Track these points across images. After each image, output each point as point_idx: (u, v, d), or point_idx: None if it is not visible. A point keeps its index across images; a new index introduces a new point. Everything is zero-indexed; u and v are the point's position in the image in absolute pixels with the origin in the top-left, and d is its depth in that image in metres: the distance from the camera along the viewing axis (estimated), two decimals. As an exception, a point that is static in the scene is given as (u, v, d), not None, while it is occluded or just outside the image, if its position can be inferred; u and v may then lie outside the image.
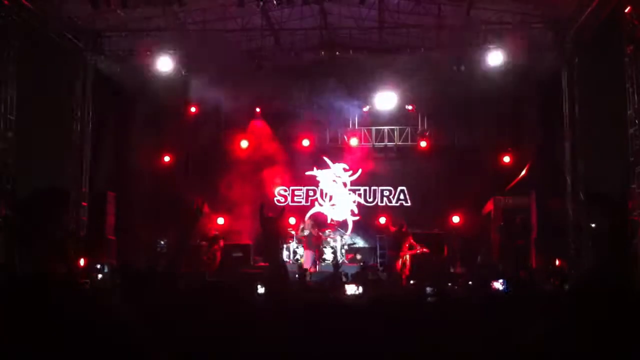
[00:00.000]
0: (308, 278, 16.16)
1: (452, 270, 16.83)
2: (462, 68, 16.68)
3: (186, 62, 16.66)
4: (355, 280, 14.86)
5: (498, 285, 9.55)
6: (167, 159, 19.03)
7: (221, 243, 17.64)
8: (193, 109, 19.19)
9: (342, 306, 4.41)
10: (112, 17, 15.63)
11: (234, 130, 19.99)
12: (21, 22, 14.41)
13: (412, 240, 16.67)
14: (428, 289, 7.34)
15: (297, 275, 15.36)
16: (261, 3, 14.59)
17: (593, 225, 16.12)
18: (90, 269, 14.44)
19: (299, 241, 17.96)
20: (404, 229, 17.12)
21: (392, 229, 17.58)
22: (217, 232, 17.86)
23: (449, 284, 13.83)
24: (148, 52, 16.40)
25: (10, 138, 14.53)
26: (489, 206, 17.85)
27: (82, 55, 16.81)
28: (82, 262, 14.84)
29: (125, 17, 15.57)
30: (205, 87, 16.96)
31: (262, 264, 17.68)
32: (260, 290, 8.95)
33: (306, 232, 17.83)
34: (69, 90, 16.79)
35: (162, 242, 17.44)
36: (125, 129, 18.24)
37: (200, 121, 19.67)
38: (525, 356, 3.37)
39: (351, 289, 10.10)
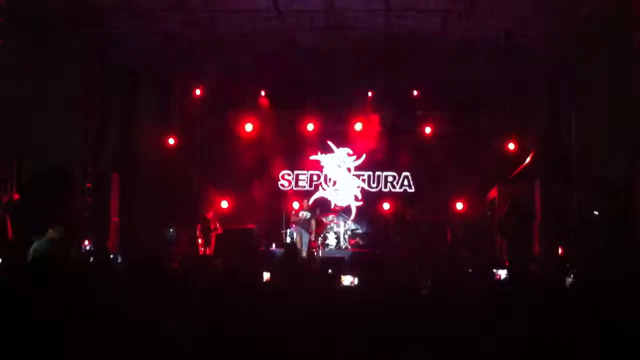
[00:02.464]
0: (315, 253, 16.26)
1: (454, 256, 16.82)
2: (467, 54, 16.57)
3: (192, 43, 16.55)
4: (350, 267, 14.87)
5: (502, 273, 9.52)
6: (171, 141, 19.03)
7: (218, 228, 17.62)
8: (198, 91, 19.15)
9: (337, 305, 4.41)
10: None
11: (238, 113, 19.96)
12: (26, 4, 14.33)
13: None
14: (428, 281, 7.30)
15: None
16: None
17: (596, 212, 16.06)
18: (96, 252, 14.47)
19: (295, 223, 17.92)
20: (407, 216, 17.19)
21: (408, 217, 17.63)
22: (212, 215, 17.83)
23: (451, 272, 13.80)
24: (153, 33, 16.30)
25: (15, 118, 14.52)
26: (493, 193, 17.82)
27: (87, 36, 16.71)
28: (86, 243, 14.86)
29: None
30: (211, 69, 16.92)
31: (261, 248, 17.79)
32: (266, 276, 8.88)
33: (306, 215, 17.80)
34: (74, 70, 16.71)
35: (171, 230, 17.44)
36: (131, 110, 18.19)
37: (205, 104, 19.65)
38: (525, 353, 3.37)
39: (347, 280, 10.04)
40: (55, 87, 15.89)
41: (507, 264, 15.04)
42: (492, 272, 10.28)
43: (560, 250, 15.31)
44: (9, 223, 13.98)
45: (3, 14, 13.85)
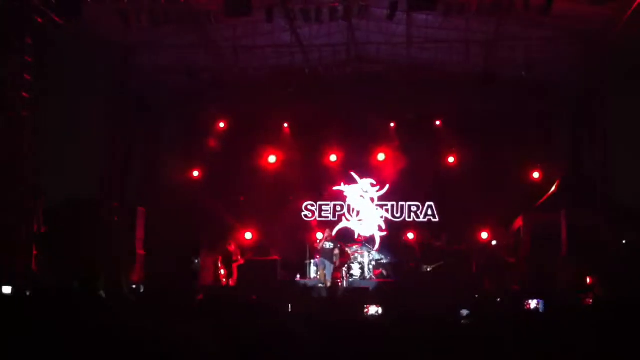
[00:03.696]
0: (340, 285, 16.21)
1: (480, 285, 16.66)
2: (490, 83, 16.61)
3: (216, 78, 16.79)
4: (376, 297, 14.79)
5: (533, 304, 9.41)
6: (195, 173, 19.15)
7: (240, 259, 17.66)
8: (222, 125, 19.33)
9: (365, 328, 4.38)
10: (141, 34, 15.83)
11: (262, 145, 20.09)
12: (53, 39, 14.66)
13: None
14: (463, 312, 7.23)
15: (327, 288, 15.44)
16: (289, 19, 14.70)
17: (624, 241, 15.88)
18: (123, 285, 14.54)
19: (318, 252, 17.88)
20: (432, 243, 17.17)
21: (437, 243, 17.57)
22: (234, 247, 17.88)
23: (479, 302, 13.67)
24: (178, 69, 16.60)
25: (43, 155, 14.76)
26: (519, 222, 17.67)
27: (112, 71, 17.04)
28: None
29: (156, 33, 15.76)
30: (235, 103, 17.14)
31: (289, 279, 17.75)
32: (290, 308, 8.87)
33: (330, 245, 17.76)
34: (99, 104, 17.02)
35: (197, 261, 17.49)
36: (155, 143, 18.42)
37: (229, 136, 19.82)
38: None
39: (372, 309, 9.95)
40: (81, 121, 16.20)
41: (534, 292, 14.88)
42: (523, 301, 10.16)
43: (588, 280, 15.12)
44: (34, 255, 14.14)
45: (32, 52, 14.17)
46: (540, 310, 9.27)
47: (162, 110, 18.73)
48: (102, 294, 9.69)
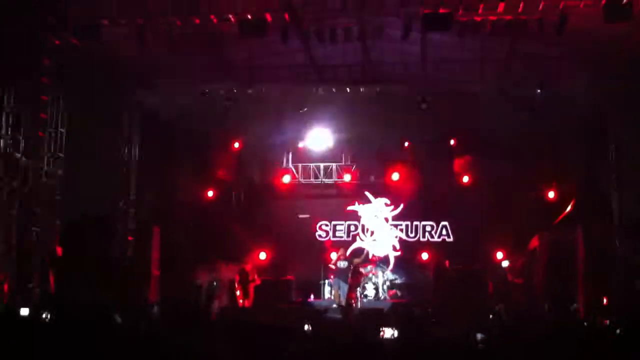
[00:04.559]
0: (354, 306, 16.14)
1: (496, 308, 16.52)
2: (504, 102, 16.60)
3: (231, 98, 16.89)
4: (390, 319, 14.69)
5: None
6: (210, 193, 19.21)
7: (257, 279, 17.61)
8: (237, 144, 19.44)
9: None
10: (159, 55, 15.95)
11: (276, 165, 20.16)
12: (71, 60, 14.82)
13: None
14: (479, 335, 7.18)
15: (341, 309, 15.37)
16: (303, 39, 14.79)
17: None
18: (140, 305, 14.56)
19: (333, 272, 17.83)
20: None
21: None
22: (251, 267, 17.87)
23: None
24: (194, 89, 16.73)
25: (60, 176, 14.87)
26: (534, 242, 17.56)
27: (129, 92, 17.18)
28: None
29: (172, 54, 15.88)
30: (249, 122, 17.21)
31: (303, 299, 17.71)
32: (307, 328, 8.82)
33: (344, 265, 17.70)
34: (116, 125, 17.16)
35: (215, 283, 17.44)
36: (170, 163, 18.51)
37: (244, 156, 19.90)
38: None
39: (388, 332, 9.87)
40: (97, 141, 16.32)
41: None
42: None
43: (605, 300, 15.00)
44: (51, 277, 14.19)
45: (49, 73, 14.33)
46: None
47: (177, 130, 18.84)
48: (118, 318, 9.72)
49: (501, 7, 12.91)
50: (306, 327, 9.56)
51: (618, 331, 9.97)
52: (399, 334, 9.27)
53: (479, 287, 17.09)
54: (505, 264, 17.83)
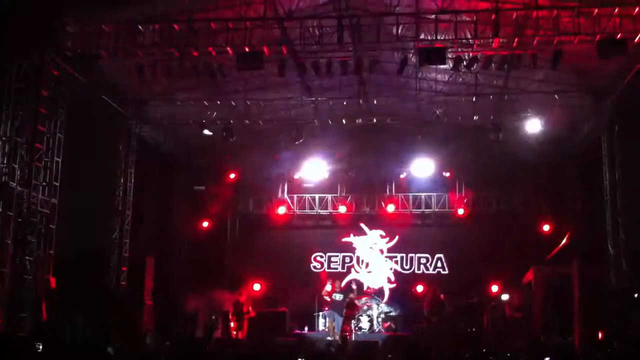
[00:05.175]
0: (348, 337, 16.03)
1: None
2: (500, 136, 16.70)
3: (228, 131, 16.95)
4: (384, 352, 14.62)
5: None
6: (205, 224, 19.17)
7: (251, 311, 17.45)
8: (232, 175, 19.46)
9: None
10: (156, 87, 16.06)
11: (271, 196, 20.18)
12: (69, 91, 14.89)
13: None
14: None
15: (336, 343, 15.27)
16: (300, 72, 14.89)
17: (636, 295, 15.73)
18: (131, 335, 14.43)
19: (327, 304, 17.70)
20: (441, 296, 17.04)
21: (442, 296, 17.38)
22: (245, 298, 17.74)
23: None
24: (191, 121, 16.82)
25: (54, 204, 14.84)
26: (529, 276, 17.53)
27: (126, 123, 17.25)
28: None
29: (170, 87, 15.99)
30: (245, 154, 17.28)
31: (297, 331, 17.56)
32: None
33: (339, 297, 17.61)
34: (113, 156, 17.19)
35: (213, 317, 17.27)
36: (166, 194, 18.51)
37: (239, 187, 19.92)
38: None
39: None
40: (93, 171, 16.35)
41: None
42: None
43: (600, 334, 14.92)
44: (44, 306, 14.08)
45: (47, 104, 14.35)
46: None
47: (174, 161, 18.88)
48: (111, 351, 9.65)
49: (496, 42, 13.04)
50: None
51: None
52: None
53: (474, 321, 16.98)
54: (505, 297, 17.73)
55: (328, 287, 18.47)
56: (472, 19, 12.94)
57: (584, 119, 16.90)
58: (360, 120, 17.33)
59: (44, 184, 14.64)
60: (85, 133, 15.59)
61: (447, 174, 19.51)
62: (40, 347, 9.60)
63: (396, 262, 20.31)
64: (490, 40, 13.00)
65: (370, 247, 20.38)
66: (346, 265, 20.47)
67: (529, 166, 18.12)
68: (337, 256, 20.61)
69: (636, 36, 12.44)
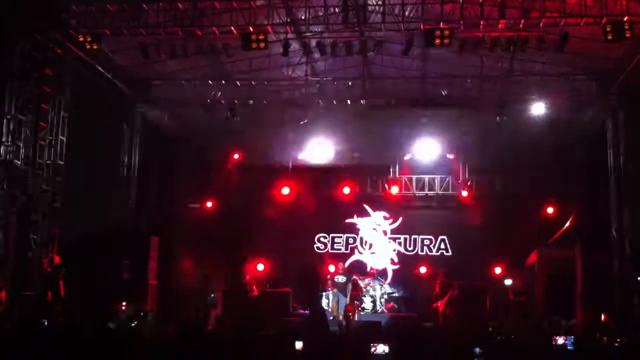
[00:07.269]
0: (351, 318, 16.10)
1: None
2: (504, 118, 16.67)
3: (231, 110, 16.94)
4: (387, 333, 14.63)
5: (561, 340, 9.28)
6: (209, 204, 19.22)
7: (255, 290, 17.56)
8: (236, 156, 19.47)
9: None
10: (161, 67, 16.04)
11: (275, 177, 20.16)
12: (73, 71, 14.89)
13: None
14: (476, 350, 7.21)
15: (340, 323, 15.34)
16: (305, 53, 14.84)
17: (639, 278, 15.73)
18: (134, 315, 14.52)
19: (331, 285, 17.78)
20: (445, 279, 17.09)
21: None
22: (249, 278, 17.84)
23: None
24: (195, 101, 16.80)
25: (59, 182, 14.89)
26: (533, 257, 17.55)
27: (131, 103, 17.25)
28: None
29: (174, 67, 15.97)
30: (249, 134, 17.26)
31: (301, 311, 17.63)
32: (298, 345, 8.72)
33: (343, 279, 17.70)
34: (117, 136, 17.21)
35: (212, 295, 17.37)
36: (170, 174, 18.54)
37: (243, 168, 19.92)
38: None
39: (380, 348, 9.71)
40: (97, 150, 16.37)
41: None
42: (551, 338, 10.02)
43: (603, 317, 14.96)
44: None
45: (51, 83, 14.35)
46: (569, 347, 9.16)
47: (178, 141, 18.89)
48: (111, 325, 9.74)
49: (502, 23, 12.97)
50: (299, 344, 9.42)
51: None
52: (390, 350, 9.13)
53: (479, 303, 17.02)
54: (508, 282, 17.75)
55: (331, 268, 18.57)
56: (479, 0, 12.88)
57: (589, 103, 16.81)
58: (364, 102, 17.28)
59: (49, 162, 14.71)
60: (89, 112, 15.58)
61: (451, 156, 19.46)
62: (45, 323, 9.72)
63: (399, 243, 20.35)
64: (497, 21, 12.93)
65: (374, 229, 20.42)
66: (350, 246, 20.52)
67: (533, 149, 18.03)
68: (341, 237, 20.66)
69: (643, 19, 12.36)
